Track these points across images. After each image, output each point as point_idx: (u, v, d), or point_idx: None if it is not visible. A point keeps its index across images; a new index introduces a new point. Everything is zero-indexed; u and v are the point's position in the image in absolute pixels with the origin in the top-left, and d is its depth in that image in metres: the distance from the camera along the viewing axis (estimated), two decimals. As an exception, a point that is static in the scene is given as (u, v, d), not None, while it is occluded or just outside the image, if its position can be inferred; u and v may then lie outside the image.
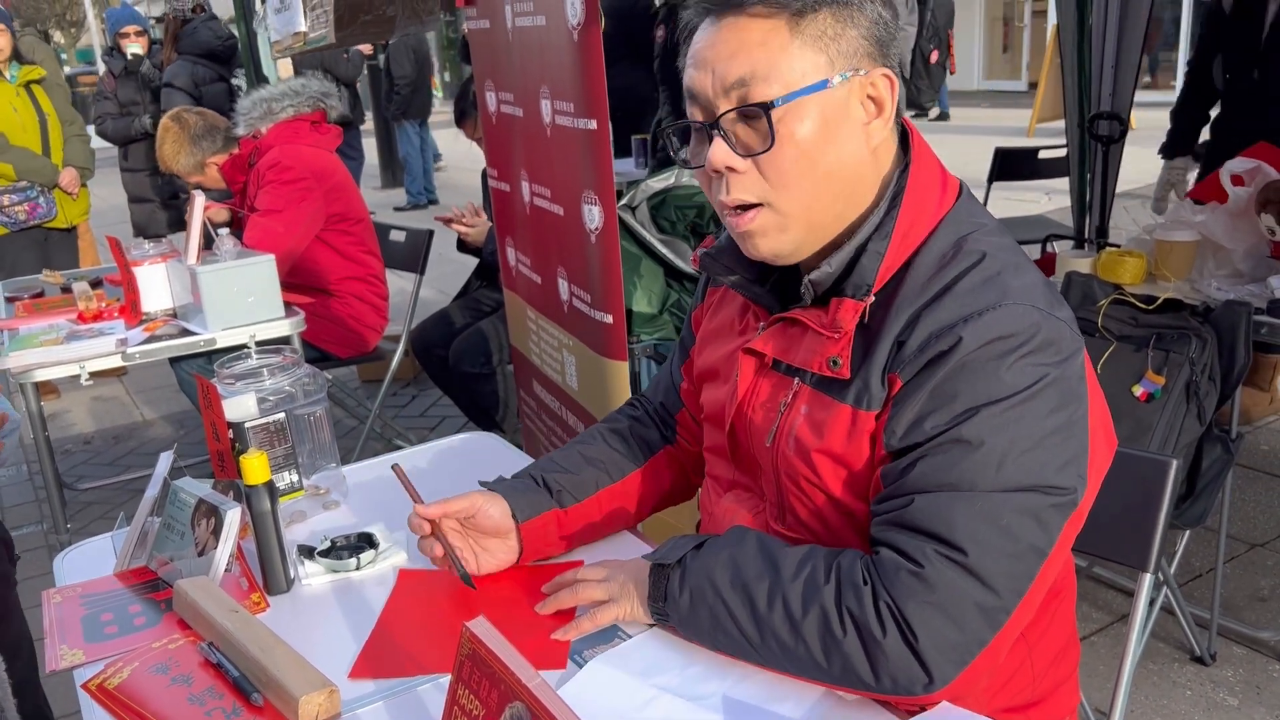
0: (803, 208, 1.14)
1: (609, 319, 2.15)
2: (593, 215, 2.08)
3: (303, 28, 3.79)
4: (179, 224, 5.60)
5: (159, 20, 10.26)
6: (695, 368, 1.44)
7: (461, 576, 1.32)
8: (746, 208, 1.15)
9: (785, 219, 1.14)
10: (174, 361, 3.35)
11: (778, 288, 1.28)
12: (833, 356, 1.14)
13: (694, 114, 1.16)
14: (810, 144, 1.11)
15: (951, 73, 5.09)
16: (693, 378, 1.46)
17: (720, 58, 1.11)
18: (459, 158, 12.80)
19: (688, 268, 2.92)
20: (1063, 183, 4.70)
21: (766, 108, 1.09)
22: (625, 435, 1.52)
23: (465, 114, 3.78)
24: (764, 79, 1.09)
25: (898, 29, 1.13)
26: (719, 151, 1.13)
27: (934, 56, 4.88)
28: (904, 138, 1.20)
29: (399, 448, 3.19)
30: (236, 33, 5.27)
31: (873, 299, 1.13)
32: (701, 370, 1.41)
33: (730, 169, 1.13)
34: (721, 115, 1.12)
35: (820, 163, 1.12)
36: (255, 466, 1.36)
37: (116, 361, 2.87)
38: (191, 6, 5.54)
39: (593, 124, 1.98)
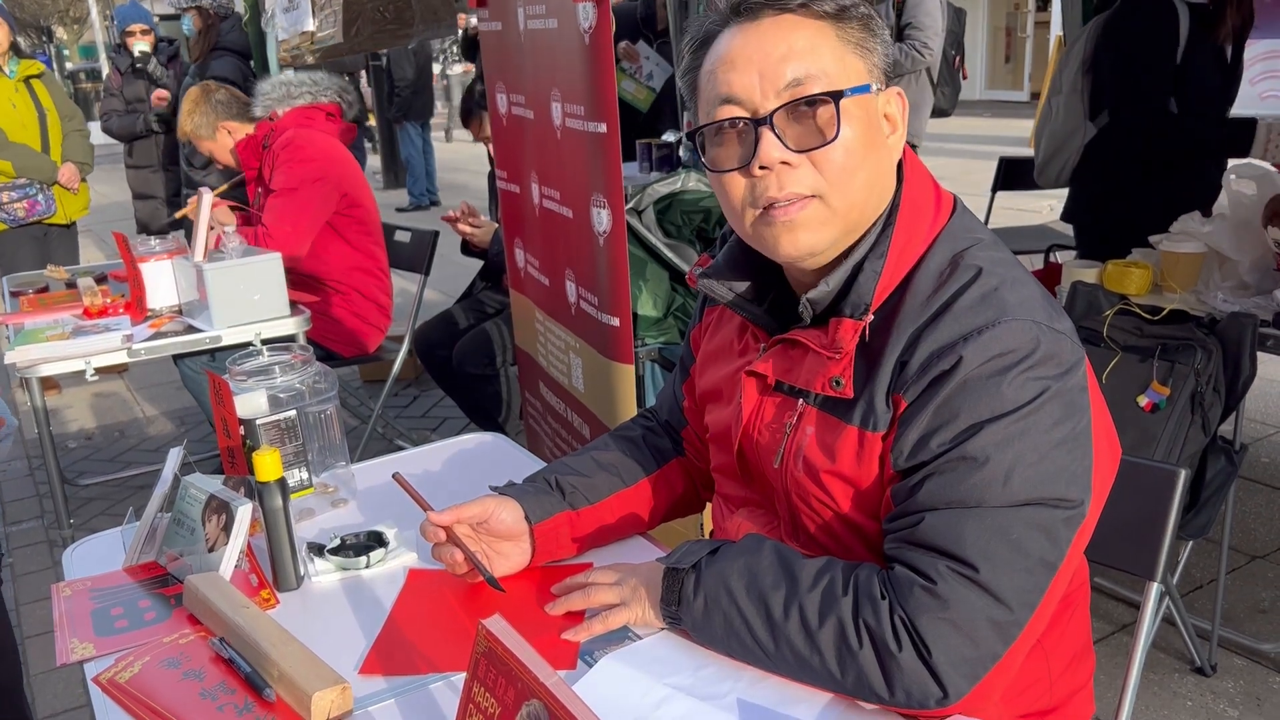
0: (849, 205, 1.14)
1: (616, 322, 2.15)
2: (601, 218, 2.09)
3: (310, 27, 3.80)
4: (177, 221, 5.56)
5: (164, 18, 10.25)
6: (697, 388, 1.45)
7: (489, 581, 1.32)
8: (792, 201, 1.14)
9: (833, 213, 1.14)
10: (177, 358, 3.35)
11: (775, 308, 1.28)
12: (835, 377, 1.15)
13: (732, 113, 1.14)
14: (859, 144, 1.13)
15: (964, 78, 5.08)
16: (695, 397, 1.47)
17: (768, 58, 1.11)
18: (465, 159, 12.82)
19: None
20: (1065, 193, 4.70)
21: (837, 96, 1.10)
22: (638, 442, 1.52)
23: (471, 113, 3.78)
24: (819, 77, 1.11)
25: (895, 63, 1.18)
26: (772, 147, 1.11)
27: (956, 62, 4.91)
28: None
29: (401, 448, 3.19)
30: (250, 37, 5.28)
31: (871, 318, 1.14)
32: (704, 391, 1.42)
33: (785, 163, 1.12)
34: (775, 110, 1.11)
35: (864, 164, 1.14)
36: (268, 463, 1.36)
37: (122, 357, 2.87)
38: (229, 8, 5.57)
39: (602, 127, 1.99)
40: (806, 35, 1.11)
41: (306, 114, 3.65)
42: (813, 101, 1.11)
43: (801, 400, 1.21)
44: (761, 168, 1.12)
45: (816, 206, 1.14)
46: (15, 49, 4.77)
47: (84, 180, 4.97)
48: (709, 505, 1.55)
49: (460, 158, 13.65)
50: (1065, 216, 3.58)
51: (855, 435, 1.14)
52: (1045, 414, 1.05)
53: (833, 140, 1.11)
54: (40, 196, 4.72)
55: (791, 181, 1.13)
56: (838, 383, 1.15)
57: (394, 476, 1.44)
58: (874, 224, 1.16)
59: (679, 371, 1.52)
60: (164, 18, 9.80)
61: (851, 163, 1.12)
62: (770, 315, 1.27)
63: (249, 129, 3.71)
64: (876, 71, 1.14)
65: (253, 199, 3.82)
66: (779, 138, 1.12)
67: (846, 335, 1.14)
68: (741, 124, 1.14)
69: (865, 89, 1.12)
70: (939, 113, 5.03)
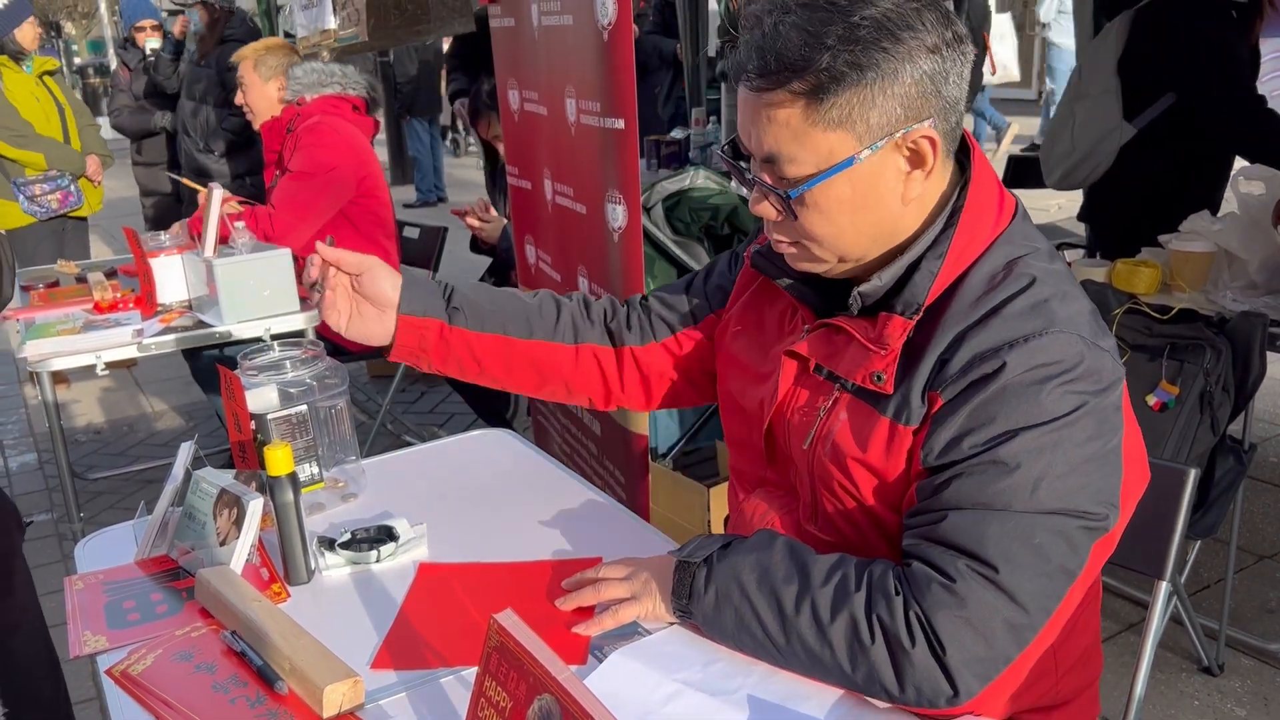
0: (833, 252, 1.17)
1: (628, 318, 2.15)
2: (616, 214, 2.09)
3: (331, 25, 3.81)
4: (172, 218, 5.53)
5: (170, 13, 10.26)
6: (724, 349, 1.43)
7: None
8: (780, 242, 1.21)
9: (821, 259, 1.19)
10: (188, 353, 3.36)
11: (822, 288, 1.28)
12: (877, 372, 1.14)
13: (743, 148, 1.19)
14: (837, 212, 1.13)
15: (991, 73, 4.99)
16: (712, 337, 1.45)
17: (754, 125, 1.13)
18: (472, 156, 12.81)
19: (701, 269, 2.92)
20: (1074, 192, 4.69)
21: (785, 196, 1.12)
22: (569, 312, 1.49)
23: (479, 112, 3.78)
24: (790, 159, 1.11)
25: (958, 64, 1.10)
26: (757, 203, 1.18)
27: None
28: (964, 150, 1.19)
29: (408, 444, 3.19)
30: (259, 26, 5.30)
31: (920, 316, 1.13)
32: (734, 357, 1.40)
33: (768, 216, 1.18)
34: (759, 174, 1.16)
35: (848, 225, 1.14)
36: (279, 458, 1.37)
37: (132, 352, 2.87)
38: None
39: (620, 123, 1.98)
40: (781, 116, 1.09)
41: (333, 103, 3.65)
42: (779, 184, 1.13)
43: (837, 386, 1.20)
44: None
45: (802, 249, 1.19)
46: None
47: None
48: (711, 491, 1.54)
49: (467, 155, 13.64)
50: (1082, 216, 3.55)
51: (887, 427, 1.14)
52: (1080, 428, 1.05)
53: (795, 220, 1.14)
54: (72, 188, 4.75)
55: (775, 229, 1.20)
56: (879, 378, 1.14)
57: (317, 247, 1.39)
58: (933, 222, 1.16)
59: (706, 295, 1.48)
60: (170, 12, 9.80)
61: (825, 230, 1.15)
62: (819, 295, 1.27)
63: (278, 110, 3.71)
64: (874, 133, 1.08)
65: (269, 182, 3.83)
66: (763, 193, 1.16)
67: (895, 333, 1.14)
68: (743, 168, 1.18)
69: (847, 164, 1.09)
70: None
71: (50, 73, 4.83)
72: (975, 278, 1.13)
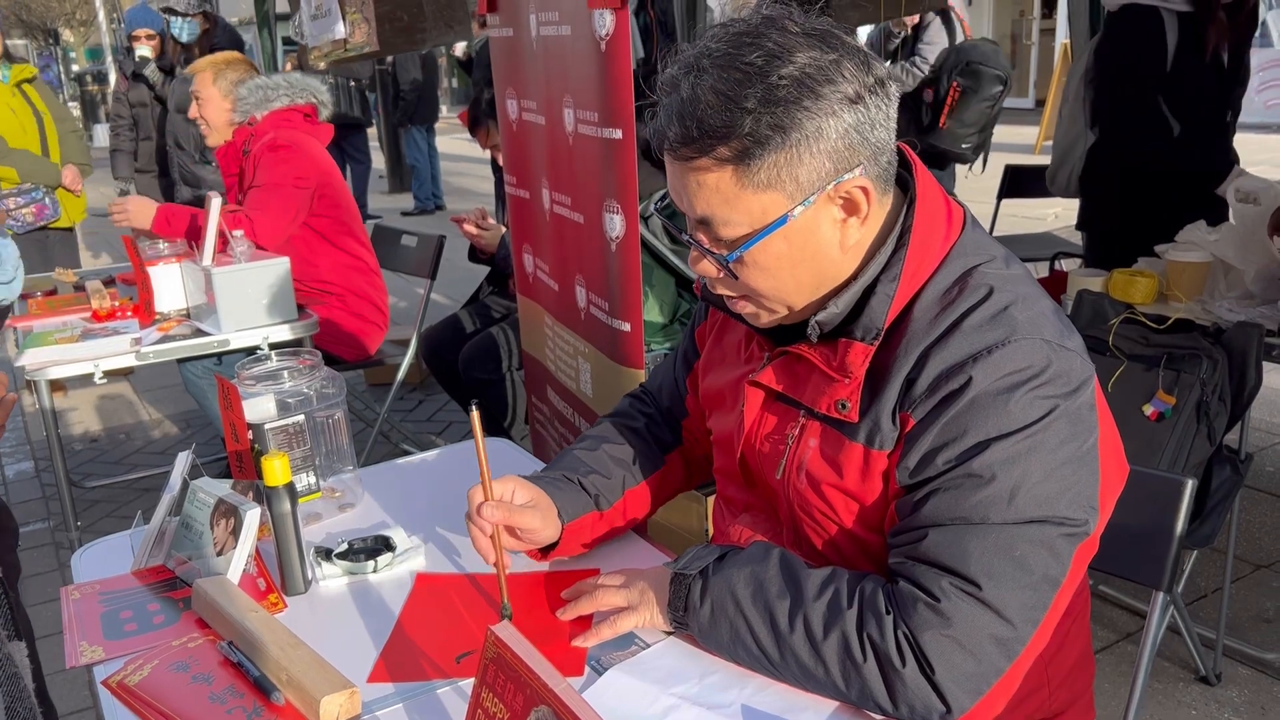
0: (780, 302, 1.17)
1: (627, 327, 2.16)
2: (614, 224, 2.10)
3: (343, 35, 3.80)
4: None
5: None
6: (701, 388, 1.45)
7: (503, 608, 1.29)
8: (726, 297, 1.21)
9: (770, 310, 1.19)
10: (181, 362, 3.35)
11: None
12: (841, 400, 1.14)
13: (677, 208, 1.18)
14: (777, 267, 1.13)
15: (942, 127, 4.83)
16: (698, 392, 1.47)
17: (684, 189, 1.12)
18: (471, 164, 12.82)
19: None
20: (1071, 200, 4.70)
21: (723, 259, 1.13)
22: (644, 435, 1.52)
23: (479, 122, 3.78)
24: (724, 222, 1.11)
25: (883, 108, 1.09)
26: (696, 262, 1.18)
27: (954, 93, 4.87)
28: (905, 166, 1.18)
29: (407, 452, 3.19)
30: (258, 35, 5.32)
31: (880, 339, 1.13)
32: (708, 393, 1.42)
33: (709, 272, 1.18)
34: (695, 234, 1.15)
35: (789, 278, 1.14)
36: (276, 468, 1.37)
37: (130, 360, 2.87)
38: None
39: (618, 133, 1.99)
40: (710, 181, 1.09)
41: (285, 116, 3.61)
42: (715, 246, 1.14)
43: (803, 412, 1.21)
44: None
45: (752, 302, 1.19)
46: (6, 54, 4.75)
47: None
48: (709, 500, 1.55)
49: (465, 162, 13.67)
50: (1078, 225, 3.60)
51: (860, 453, 1.14)
52: (1053, 433, 1.05)
53: (737, 279, 1.15)
54: (47, 200, 4.72)
55: (720, 284, 1.19)
56: (843, 406, 1.14)
57: (473, 409, 1.33)
58: (883, 244, 1.15)
59: (681, 363, 1.52)
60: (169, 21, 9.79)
61: (766, 282, 1.15)
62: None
63: (229, 134, 3.68)
64: (804, 189, 1.08)
65: (232, 205, 3.80)
66: (701, 251, 1.15)
67: (857, 360, 1.13)
68: (680, 232, 1.18)
69: (781, 222, 1.09)
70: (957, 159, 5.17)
71: (29, 80, 4.79)
72: (929, 294, 1.12)
